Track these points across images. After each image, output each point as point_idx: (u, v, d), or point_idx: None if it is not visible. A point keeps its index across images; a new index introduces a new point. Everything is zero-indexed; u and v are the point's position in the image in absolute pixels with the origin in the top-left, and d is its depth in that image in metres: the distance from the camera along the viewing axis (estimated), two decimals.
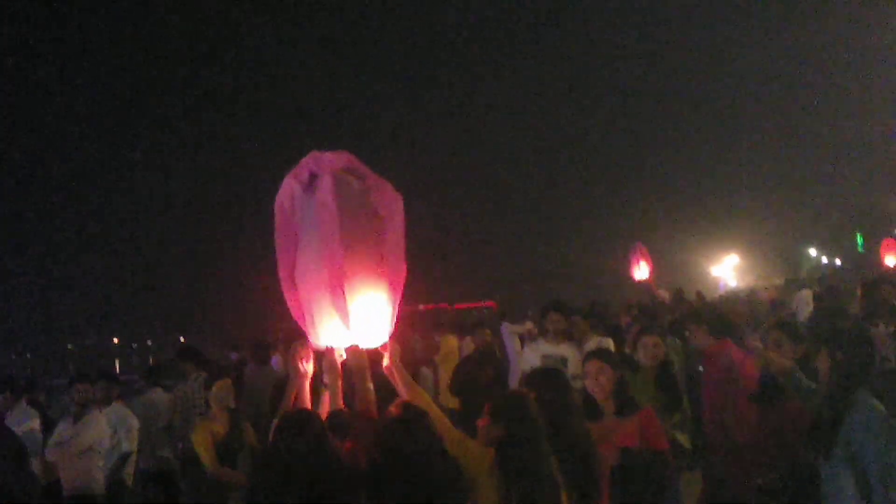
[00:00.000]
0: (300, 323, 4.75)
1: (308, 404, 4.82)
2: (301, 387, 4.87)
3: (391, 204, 4.73)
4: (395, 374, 4.60)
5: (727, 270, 28.65)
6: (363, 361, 4.62)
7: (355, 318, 4.57)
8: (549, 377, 4.98)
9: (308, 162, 4.68)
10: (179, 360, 9.66)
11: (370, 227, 4.65)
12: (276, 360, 11.42)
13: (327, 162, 4.66)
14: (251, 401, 8.31)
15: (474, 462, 4.02)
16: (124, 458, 8.13)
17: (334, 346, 4.68)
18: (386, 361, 4.63)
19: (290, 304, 4.75)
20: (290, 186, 4.71)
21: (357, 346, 4.64)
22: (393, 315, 4.75)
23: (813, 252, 65.75)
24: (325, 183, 4.59)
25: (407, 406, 4.08)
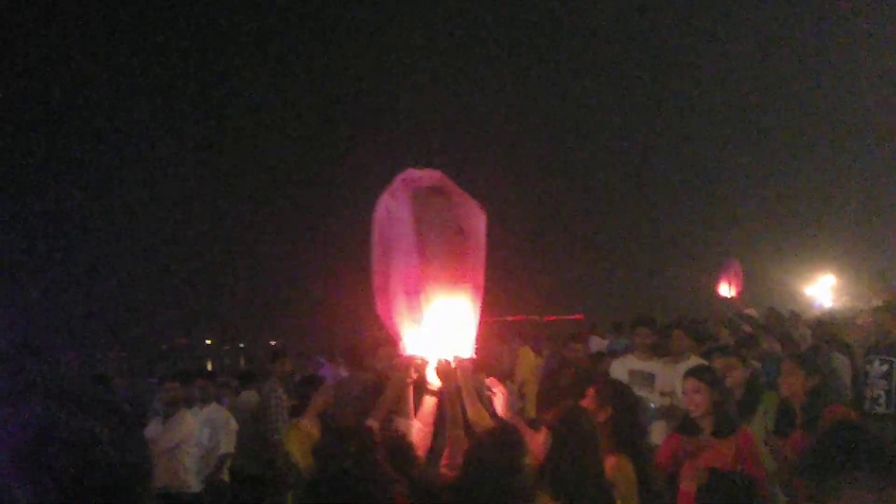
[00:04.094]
0: (390, 331, 4.84)
1: (412, 412, 4.86)
2: (406, 392, 4.89)
3: (474, 220, 4.91)
4: (464, 392, 4.69)
5: (822, 290, 28.01)
6: (453, 377, 4.70)
7: (434, 329, 4.71)
8: (619, 393, 5.01)
9: (402, 178, 4.78)
10: (271, 361, 9.83)
11: (452, 242, 4.82)
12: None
13: (413, 180, 4.78)
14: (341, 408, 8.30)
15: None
16: (223, 459, 8.28)
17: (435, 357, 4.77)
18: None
19: (380, 312, 4.91)
20: (385, 201, 4.87)
21: (447, 363, 4.73)
22: (473, 328, 4.81)
23: None
24: (405, 201, 4.71)
25: (505, 426, 4.14)
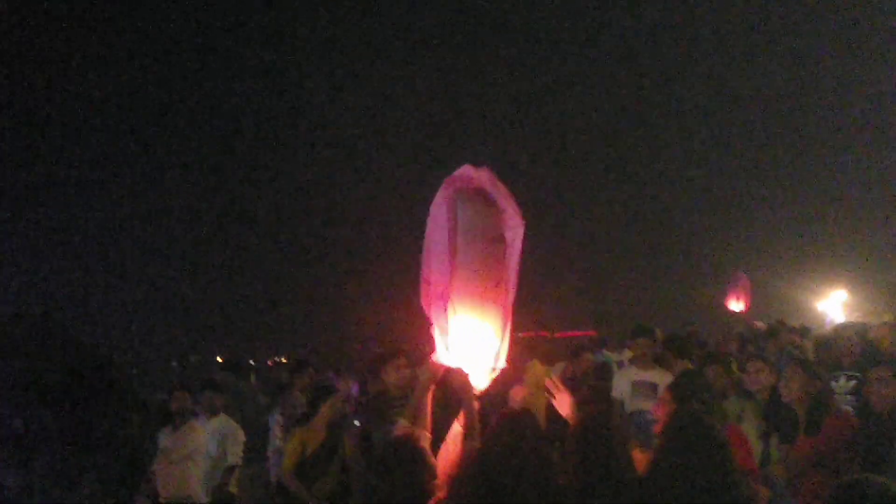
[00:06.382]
0: (432, 332, 4.78)
1: (427, 417, 4.86)
2: (424, 398, 4.89)
3: (515, 229, 4.79)
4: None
5: (834, 305, 27.93)
6: (468, 386, 4.67)
7: (460, 337, 4.65)
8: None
9: (455, 176, 4.75)
10: (290, 374, 9.93)
11: (491, 249, 4.68)
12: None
13: (461, 179, 4.71)
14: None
15: None
16: (231, 470, 8.36)
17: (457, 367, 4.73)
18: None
19: (427, 311, 4.78)
20: (445, 195, 4.73)
21: (461, 371, 4.69)
22: (505, 340, 4.76)
23: None
24: (446, 202, 4.66)
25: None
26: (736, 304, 17.10)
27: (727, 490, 3.87)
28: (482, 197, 4.73)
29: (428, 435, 4.74)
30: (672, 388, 5.28)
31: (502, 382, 5.32)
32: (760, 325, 15.84)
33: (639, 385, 7.58)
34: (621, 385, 7.75)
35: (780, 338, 12.44)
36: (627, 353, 11.82)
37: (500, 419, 4.00)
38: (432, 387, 4.88)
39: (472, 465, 3.86)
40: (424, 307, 4.78)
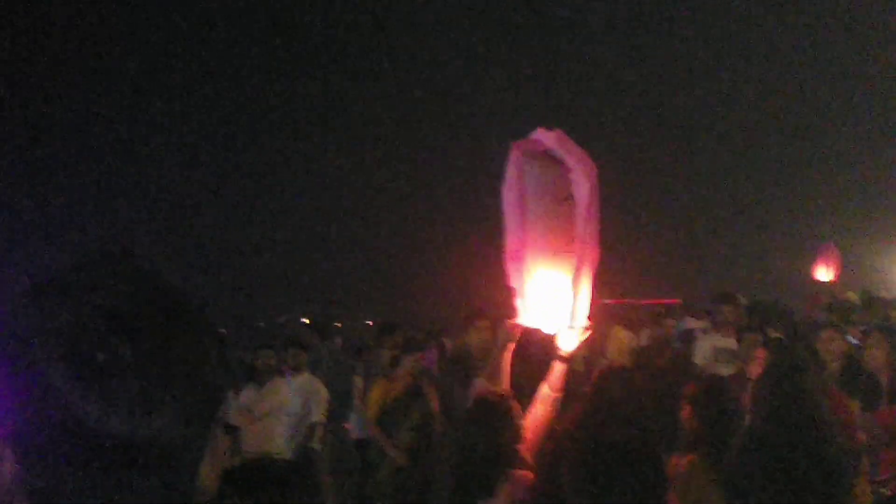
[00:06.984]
0: (512, 294, 4.83)
1: (505, 378, 4.91)
2: (501, 359, 4.94)
3: (584, 187, 4.68)
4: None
5: None
6: (550, 347, 4.69)
7: (538, 299, 4.69)
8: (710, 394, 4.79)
9: (526, 140, 4.74)
10: (377, 335, 10.06)
11: (561, 209, 4.69)
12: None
13: (529, 142, 4.74)
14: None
15: None
16: (313, 427, 8.49)
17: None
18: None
19: (507, 274, 4.81)
20: (514, 158, 4.74)
21: (542, 332, 4.72)
22: (584, 298, 4.75)
23: None
24: (515, 165, 4.70)
25: None
26: (824, 275, 16.80)
27: (827, 445, 3.87)
28: (549, 157, 4.72)
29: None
30: (767, 347, 5.26)
31: (588, 347, 5.34)
32: (852, 295, 15.55)
33: (721, 352, 7.53)
34: (703, 351, 7.72)
35: (875, 309, 12.26)
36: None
37: (600, 376, 4.04)
38: (511, 348, 4.92)
39: (576, 427, 3.90)
40: (505, 271, 4.82)
